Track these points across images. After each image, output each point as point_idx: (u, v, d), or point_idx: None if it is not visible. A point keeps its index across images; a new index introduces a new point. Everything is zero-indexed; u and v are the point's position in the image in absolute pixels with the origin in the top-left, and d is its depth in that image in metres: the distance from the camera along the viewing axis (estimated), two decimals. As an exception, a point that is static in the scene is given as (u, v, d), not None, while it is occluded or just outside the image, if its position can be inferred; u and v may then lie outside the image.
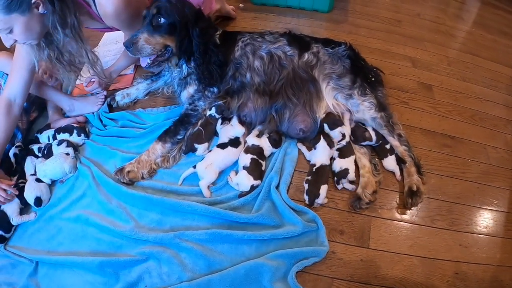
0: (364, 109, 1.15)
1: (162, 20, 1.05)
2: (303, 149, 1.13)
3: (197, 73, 1.12)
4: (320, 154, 1.08)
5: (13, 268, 1.19)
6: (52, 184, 1.29)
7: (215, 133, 1.18)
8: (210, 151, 1.11)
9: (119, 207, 1.10)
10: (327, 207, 1.08)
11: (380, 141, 1.17)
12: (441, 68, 1.55)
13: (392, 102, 1.34)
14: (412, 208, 1.10)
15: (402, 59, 1.56)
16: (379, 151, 1.18)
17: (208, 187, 1.07)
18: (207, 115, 1.16)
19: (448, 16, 1.98)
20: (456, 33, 1.87)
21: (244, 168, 1.06)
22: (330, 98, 1.17)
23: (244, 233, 0.98)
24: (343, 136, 1.11)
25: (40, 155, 1.31)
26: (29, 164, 1.29)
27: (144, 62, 1.13)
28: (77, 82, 1.49)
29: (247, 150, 1.09)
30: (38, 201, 1.20)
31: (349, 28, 1.65)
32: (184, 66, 1.16)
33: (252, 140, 1.10)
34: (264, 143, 1.10)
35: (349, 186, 1.07)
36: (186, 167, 1.13)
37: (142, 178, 1.11)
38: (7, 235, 1.21)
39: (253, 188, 1.04)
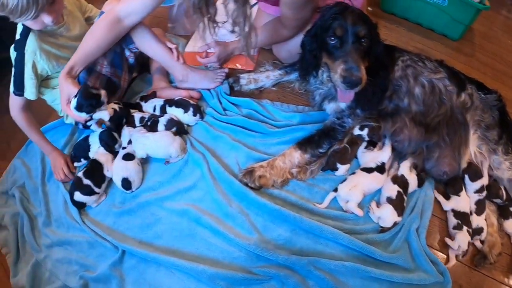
0: (505, 168, 1.14)
1: (367, 42, 0.95)
2: (440, 198, 1.13)
3: (359, 93, 1.03)
4: (463, 201, 1.09)
5: (90, 248, 1.09)
6: (146, 161, 1.18)
7: (356, 155, 1.13)
8: (353, 174, 1.06)
9: (241, 213, 1.02)
10: (451, 258, 1.12)
11: (507, 202, 1.22)
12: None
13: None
14: (521, 276, 1.19)
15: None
16: (502, 211, 1.22)
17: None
18: (355, 134, 1.09)
19: None
20: None
21: (389, 200, 1.02)
22: (474, 147, 1.17)
23: (382, 272, 0.96)
24: (482, 189, 1.14)
25: (139, 124, 1.19)
26: (126, 135, 1.16)
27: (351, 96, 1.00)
28: (186, 49, 1.35)
29: (395, 180, 1.05)
30: (126, 183, 1.09)
31: (477, 65, 1.62)
32: None
33: (403, 170, 1.07)
34: (412, 179, 1.06)
35: (478, 244, 1.12)
36: (322, 183, 1.07)
37: (272, 186, 1.03)
38: (97, 190, 1.11)
39: (395, 224, 1.03)
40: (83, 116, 1.07)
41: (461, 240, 1.04)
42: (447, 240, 1.06)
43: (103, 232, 1.08)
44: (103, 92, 1.08)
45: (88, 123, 1.13)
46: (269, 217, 1.02)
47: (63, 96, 1.08)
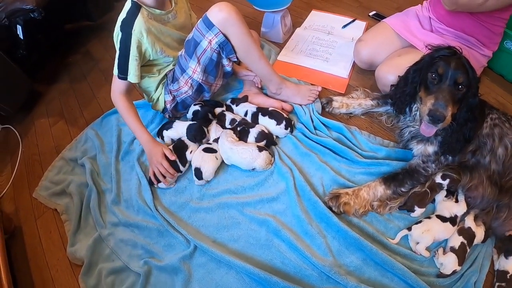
0: None
1: (463, 90, 1.04)
2: (495, 256, 1.27)
3: (444, 138, 1.15)
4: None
5: (159, 236, 1.16)
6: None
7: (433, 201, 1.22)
8: (428, 218, 1.16)
9: (319, 234, 1.10)
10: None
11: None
12: None
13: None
14: None
15: None
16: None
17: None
18: (436, 181, 1.19)
19: None
20: None
21: (452, 249, 1.12)
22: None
23: (437, 315, 1.11)
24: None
25: (229, 126, 1.25)
26: (213, 132, 1.23)
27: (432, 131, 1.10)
28: (279, 57, 1.38)
29: (461, 232, 1.15)
30: (198, 172, 1.19)
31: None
32: None
33: (469, 222, 1.17)
34: (479, 233, 1.17)
35: None
36: (398, 221, 1.16)
37: (353, 214, 1.12)
38: (182, 168, 1.23)
39: (454, 273, 1.16)
40: None
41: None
42: None
43: (176, 224, 1.14)
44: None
45: None
46: (344, 243, 1.11)
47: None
